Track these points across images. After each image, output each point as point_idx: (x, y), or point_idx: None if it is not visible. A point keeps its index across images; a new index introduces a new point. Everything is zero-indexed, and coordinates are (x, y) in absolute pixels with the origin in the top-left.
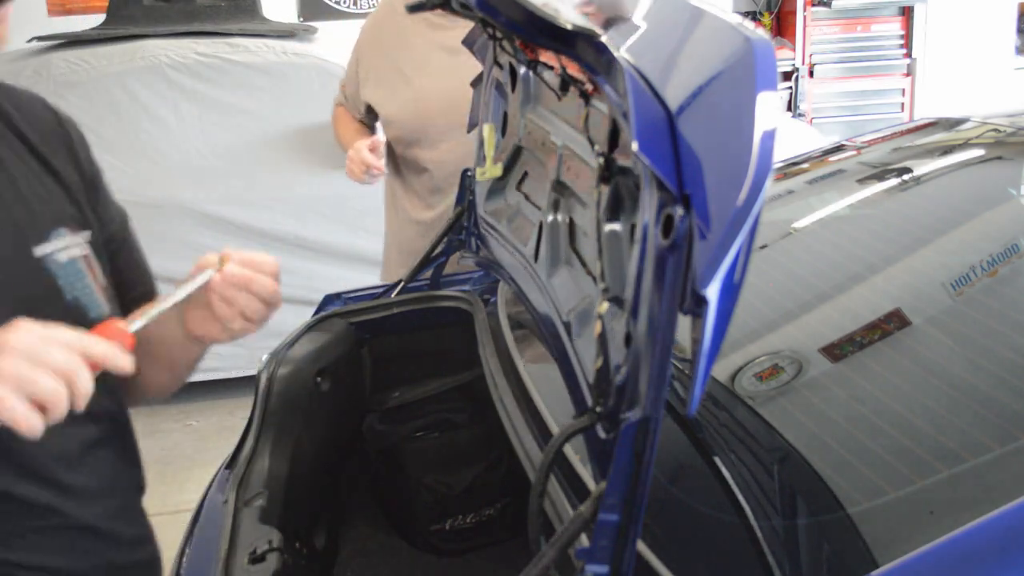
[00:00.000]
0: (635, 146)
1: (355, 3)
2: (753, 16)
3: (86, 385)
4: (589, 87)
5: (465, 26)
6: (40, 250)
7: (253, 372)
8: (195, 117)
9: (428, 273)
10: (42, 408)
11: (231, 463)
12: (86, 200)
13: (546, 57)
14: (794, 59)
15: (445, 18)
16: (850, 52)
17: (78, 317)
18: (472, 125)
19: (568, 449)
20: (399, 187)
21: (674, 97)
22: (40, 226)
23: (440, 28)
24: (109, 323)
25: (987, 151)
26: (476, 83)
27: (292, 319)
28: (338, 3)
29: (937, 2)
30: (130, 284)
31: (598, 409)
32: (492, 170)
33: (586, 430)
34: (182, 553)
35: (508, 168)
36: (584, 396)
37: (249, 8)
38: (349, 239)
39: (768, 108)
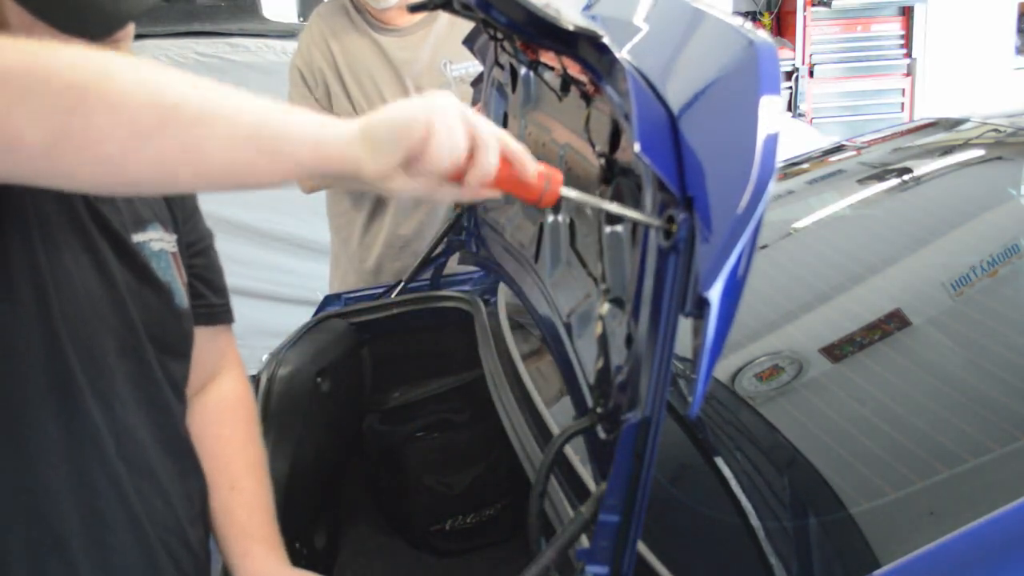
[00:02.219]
0: (637, 147)
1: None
2: (753, 16)
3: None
4: (590, 88)
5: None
6: (136, 237)
7: (253, 372)
8: None
9: (428, 273)
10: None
11: None
12: (180, 210)
13: (547, 58)
14: (794, 59)
15: (392, 35)
16: (850, 52)
17: (168, 299)
18: None
19: (568, 450)
20: (364, 212)
21: (676, 99)
22: (139, 217)
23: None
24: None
25: (987, 151)
26: (476, 83)
27: (292, 319)
28: None
29: (937, 2)
30: (197, 297)
31: (599, 410)
32: None
33: (587, 431)
34: None
35: None
36: (585, 397)
37: (249, 8)
38: None
39: (771, 112)
